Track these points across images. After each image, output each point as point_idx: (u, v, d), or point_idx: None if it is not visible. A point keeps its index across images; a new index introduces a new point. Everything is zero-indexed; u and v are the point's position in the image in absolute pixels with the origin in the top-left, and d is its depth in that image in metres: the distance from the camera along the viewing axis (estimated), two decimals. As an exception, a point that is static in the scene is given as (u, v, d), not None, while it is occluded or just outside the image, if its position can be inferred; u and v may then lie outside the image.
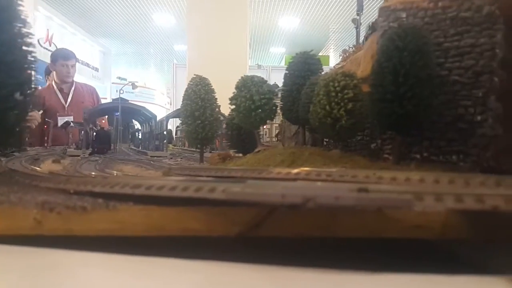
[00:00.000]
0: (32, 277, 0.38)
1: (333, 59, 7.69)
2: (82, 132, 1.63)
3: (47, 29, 4.98)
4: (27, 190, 0.54)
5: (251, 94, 0.98)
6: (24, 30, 0.54)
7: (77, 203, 0.44)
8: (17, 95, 0.53)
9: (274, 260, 0.40)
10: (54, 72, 2.95)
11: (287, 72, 1.06)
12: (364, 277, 0.37)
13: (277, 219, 0.42)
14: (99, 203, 0.45)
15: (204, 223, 0.43)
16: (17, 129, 0.53)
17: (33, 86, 0.59)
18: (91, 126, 1.68)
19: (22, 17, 0.54)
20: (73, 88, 2.98)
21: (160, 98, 9.43)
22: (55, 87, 2.93)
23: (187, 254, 0.41)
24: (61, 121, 2.47)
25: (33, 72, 0.56)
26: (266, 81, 1.04)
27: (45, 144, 2.15)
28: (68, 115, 2.67)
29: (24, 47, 0.55)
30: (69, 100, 2.91)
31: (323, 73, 1.04)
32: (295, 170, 0.58)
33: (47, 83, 3.12)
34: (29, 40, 0.55)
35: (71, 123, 1.75)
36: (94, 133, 1.65)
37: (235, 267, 0.40)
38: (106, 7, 6.38)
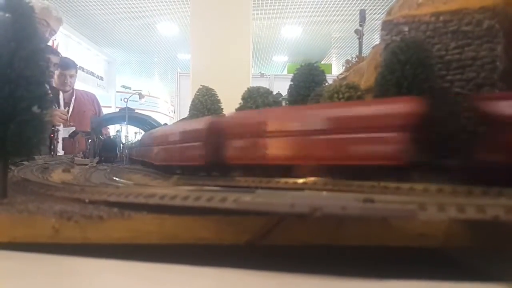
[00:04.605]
0: (50, 283, 0.39)
1: (335, 68, 7.72)
2: (89, 141, 1.65)
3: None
4: (43, 199, 0.56)
5: (257, 104, 0.99)
6: (42, 46, 0.57)
7: (93, 212, 0.46)
8: (35, 108, 0.55)
9: (282, 267, 0.41)
10: (53, 81, 2.98)
11: (292, 83, 1.08)
12: (370, 284, 0.38)
13: (285, 227, 0.43)
14: (114, 212, 0.46)
15: (215, 231, 0.45)
16: (35, 140, 0.56)
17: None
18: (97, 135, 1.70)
19: (40, 33, 0.56)
20: (74, 98, 2.97)
21: (164, 106, 9.50)
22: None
23: (198, 261, 0.42)
24: (64, 131, 2.48)
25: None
26: (272, 92, 1.06)
27: (52, 153, 2.17)
28: (70, 125, 2.67)
29: (41, 62, 0.57)
30: (70, 110, 2.91)
31: (327, 84, 1.05)
32: (302, 180, 0.60)
33: (57, 85, 3.15)
34: (46, 56, 0.58)
35: (79, 133, 1.77)
36: (101, 142, 1.68)
37: (245, 273, 0.41)
38: (111, 17, 6.46)
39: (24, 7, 0.54)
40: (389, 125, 0.54)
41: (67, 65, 2.98)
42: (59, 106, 2.74)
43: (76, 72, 3.08)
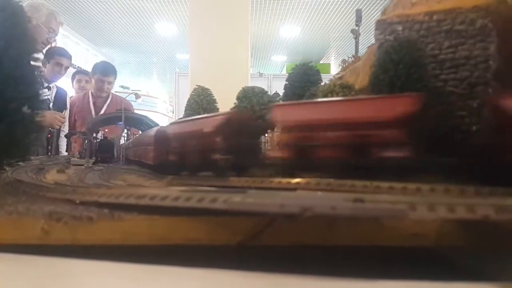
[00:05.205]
0: (40, 285, 0.39)
1: (334, 67, 7.72)
2: (86, 141, 1.64)
3: (51, 39, 5.03)
4: (34, 200, 0.55)
5: (252, 104, 0.99)
6: (32, 46, 0.56)
7: (83, 213, 0.46)
8: (25, 109, 0.55)
9: (275, 267, 0.41)
10: (92, 83, 2.96)
11: (287, 83, 1.08)
12: (363, 284, 0.38)
13: (277, 228, 0.43)
14: (104, 213, 0.46)
15: (206, 232, 0.44)
16: (26, 141, 0.55)
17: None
18: (94, 135, 1.69)
19: (30, 34, 0.56)
20: (108, 102, 2.94)
21: (162, 106, 9.49)
22: (90, 98, 2.91)
23: (189, 262, 0.42)
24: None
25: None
26: (267, 91, 1.06)
27: (48, 153, 2.16)
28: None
29: (31, 63, 0.57)
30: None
31: (322, 83, 1.05)
32: (295, 180, 0.59)
33: (76, 89, 3.14)
34: (36, 56, 0.57)
35: (76, 133, 1.76)
36: (98, 143, 1.67)
37: (236, 275, 0.41)
38: (109, 17, 6.45)
39: (14, 6, 0.54)
40: (150, 143, 0.97)
41: (107, 72, 2.95)
42: (65, 109, 2.72)
43: (115, 79, 3.03)
